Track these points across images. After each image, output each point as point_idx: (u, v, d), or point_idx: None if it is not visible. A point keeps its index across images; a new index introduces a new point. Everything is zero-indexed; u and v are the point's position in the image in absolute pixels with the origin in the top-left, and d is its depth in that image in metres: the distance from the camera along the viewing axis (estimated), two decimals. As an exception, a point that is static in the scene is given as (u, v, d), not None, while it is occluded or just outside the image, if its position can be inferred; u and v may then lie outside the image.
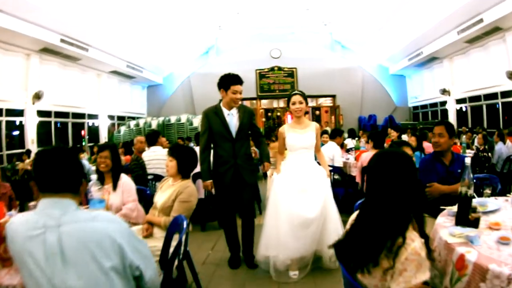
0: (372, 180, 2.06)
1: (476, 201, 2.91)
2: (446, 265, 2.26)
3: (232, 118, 4.69)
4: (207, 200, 6.44)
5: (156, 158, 6.70)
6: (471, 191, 2.57)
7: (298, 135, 4.65)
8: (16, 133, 13.70)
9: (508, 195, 3.36)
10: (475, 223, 2.51)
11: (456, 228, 2.47)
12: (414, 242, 1.79)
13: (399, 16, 16.71)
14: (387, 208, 1.92)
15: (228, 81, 4.61)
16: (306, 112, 20.73)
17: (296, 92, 4.76)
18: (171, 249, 3.03)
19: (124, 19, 15.15)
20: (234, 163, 4.65)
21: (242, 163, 4.68)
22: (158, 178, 6.30)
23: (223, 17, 19.94)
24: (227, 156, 4.65)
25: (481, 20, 13.03)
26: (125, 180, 4.13)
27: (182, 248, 2.99)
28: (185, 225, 3.04)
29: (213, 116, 4.71)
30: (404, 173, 1.96)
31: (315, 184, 4.46)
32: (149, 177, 6.39)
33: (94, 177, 2.60)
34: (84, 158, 10.33)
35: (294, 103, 4.65)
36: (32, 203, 3.30)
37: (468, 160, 2.70)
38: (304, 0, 18.10)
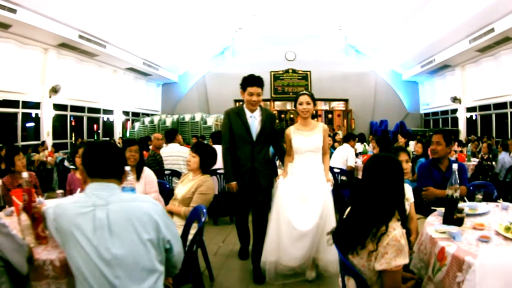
0: (365, 178, 2.44)
1: (467, 205, 3.25)
2: (430, 257, 2.58)
3: (254, 121, 4.58)
4: (220, 196, 6.75)
5: (174, 154, 7.06)
6: (457, 194, 2.90)
7: (304, 138, 4.47)
8: (30, 125, 14.02)
9: (498, 201, 3.62)
10: (459, 222, 2.83)
11: (442, 225, 2.80)
12: (395, 230, 2.17)
13: (412, 24, 16.81)
14: (374, 201, 2.30)
15: (245, 82, 4.51)
16: (319, 115, 20.67)
17: (303, 92, 4.56)
18: (190, 237, 3.37)
19: (142, 17, 15.41)
20: (252, 166, 4.55)
21: (260, 167, 4.58)
22: (175, 173, 6.68)
23: (240, 18, 20.19)
24: (245, 159, 4.56)
25: (492, 30, 13.20)
26: (148, 173, 4.50)
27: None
28: (204, 214, 3.37)
29: (235, 117, 4.59)
30: (391, 174, 2.34)
31: (316, 193, 4.29)
32: (166, 172, 6.70)
33: (127, 168, 2.92)
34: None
35: (301, 103, 4.46)
36: (59, 191, 3.62)
37: (455, 166, 3.03)
38: (320, 4, 18.30)
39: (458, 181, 2.99)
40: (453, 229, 2.64)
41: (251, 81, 4.48)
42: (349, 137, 8.66)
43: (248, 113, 4.58)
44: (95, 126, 17.98)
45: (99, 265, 1.95)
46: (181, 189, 4.21)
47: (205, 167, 4.33)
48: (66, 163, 9.18)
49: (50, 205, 2.26)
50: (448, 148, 4.22)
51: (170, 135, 7.46)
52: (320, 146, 4.50)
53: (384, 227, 2.20)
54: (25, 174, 2.87)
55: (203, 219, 3.31)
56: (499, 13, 12.28)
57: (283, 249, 4.21)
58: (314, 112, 4.83)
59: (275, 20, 20.82)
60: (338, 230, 2.53)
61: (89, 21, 13.56)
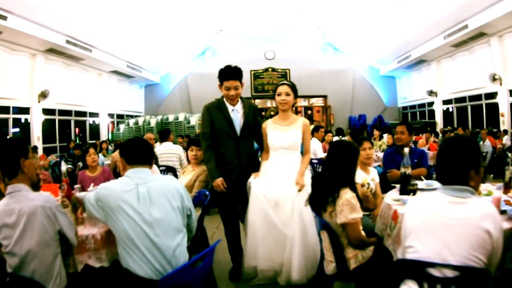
0: (327, 157, 3.31)
1: (425, 182, 3.92)
2: (388, 219, 3.29)
3: (237, 115, 4.26)
4: (210, 188, 7.30)
5: (168, 152, 7.68)
6: (408, 171, 3.66)
7: (279, 133, 4.19)
8: (15, 130, 14.20)
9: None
10: (411, 192, 3.55)
11: (397, 195, 3.54)
12: (346, 194, 3.00)
13: (389, 21, 17.34)
14: (330, 176, 3.13)
15: (220, 77, 4.18)
16: (299, 112, 20.82)
17: (283, 82, 4.26)
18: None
19: (126, 21, 15.69)
20: (239, 163, 4.26)
21: (247, 164, 4.31)
22: (170, 169, 7.27)
23: (220, 19, 20.54)
24: (230, 156, 4.26)
25: (466, 26, 13.91)
26: (154, 168, 5.13)
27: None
28: (208, 195, 4.10)
29: (216, 111, 4.25)
30: (345, 156, 3.17)
31: (287, 198, 3.93)
32: (161, 168, 7.21)
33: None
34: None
35: (279, 94, 4.16)
36: (76, 186, 4.21)
37: (406, 150, 3.82)
38: (298, 3, 18.79)
39: (410, 162, 3.73)
40: (405, 197, 3.34)
41: (226, 74, 4.16)
42: (314, 130, 9.00)
43: (229, 106, 4.26)
44: (77, 129, 18.28)
45: (143, 227, 2.64)
46: (183, 179, 4.89)
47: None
48: (62, 164, 9.62)
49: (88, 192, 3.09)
50: (410, 137, 4.98)
51: (164, 134, 8.10)
52: (297, 143, 4.20)
53: (337, 194, 3.02)
54: (63, 168, 3.49)
55: (207, 199, 4.06)
56: (472, 10, 12.97)
57: (261, 251, 3.97)
58: (294, 109, 4.27)
59: (254, 20, 21.27)
60: (311, 196, 3.32)
61: (76, 26, 13.84)
